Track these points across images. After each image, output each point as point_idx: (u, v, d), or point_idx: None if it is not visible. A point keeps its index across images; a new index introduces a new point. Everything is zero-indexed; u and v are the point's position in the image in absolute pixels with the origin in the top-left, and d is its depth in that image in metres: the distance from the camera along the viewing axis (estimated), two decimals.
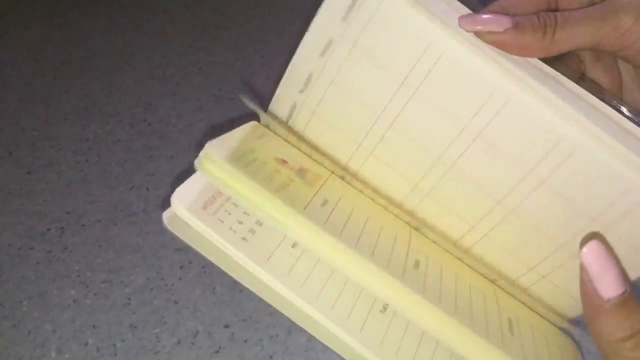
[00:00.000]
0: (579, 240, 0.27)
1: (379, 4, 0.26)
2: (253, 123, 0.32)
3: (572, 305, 0.30)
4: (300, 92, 0.30)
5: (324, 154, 0.32)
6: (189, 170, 0.27)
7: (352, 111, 0.29)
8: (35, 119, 0.85)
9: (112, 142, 0.82)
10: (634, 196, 0.26)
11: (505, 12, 0.28)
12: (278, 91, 0.31)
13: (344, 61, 0.28)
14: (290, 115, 0.31)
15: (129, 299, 0.64)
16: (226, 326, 0.62)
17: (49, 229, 0.71)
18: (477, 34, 0.26)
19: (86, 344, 0.61)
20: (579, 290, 0.28)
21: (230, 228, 0.25)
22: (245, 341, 0.61)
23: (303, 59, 0.29)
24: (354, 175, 0.32)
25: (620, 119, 0.26)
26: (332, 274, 0.26)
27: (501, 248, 0.30)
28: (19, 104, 0.87)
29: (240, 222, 0.25)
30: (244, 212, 0.26)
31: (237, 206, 0.26)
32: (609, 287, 0.22)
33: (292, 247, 0.26)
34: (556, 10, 0.28)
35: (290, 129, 0.31)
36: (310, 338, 0.61)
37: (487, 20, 0.26)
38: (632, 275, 0.27)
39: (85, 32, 1.00)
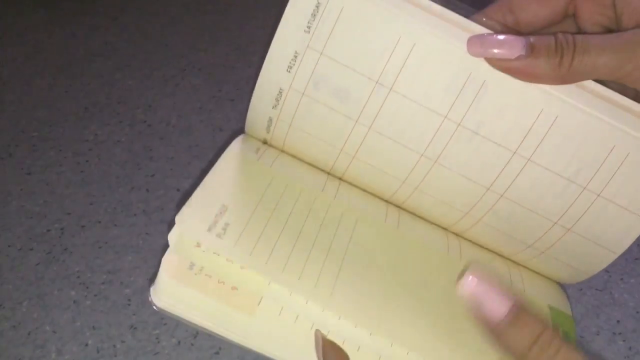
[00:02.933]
0: (575, 211, 0.27)
1: (341, 9, 0.26)
2: (236, 147, 0.31)
3: (571, 274, 0.31)
4: (273, 107, 0.29)
5: (308, 163, 0.32)
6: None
7: (329, 119, 0.29)
8: (35, 120, 0.85)
9: (112, 143, 0.82)
10: (618, 154, 0.25)
11: (513, 14, 0.27)
12: (250, 111, 0.31)
13: (312, 72, 0.27)
14: (267, 131, 0.31)
15: (129, 300, 0.64)
16: None
17: (48, 230, 0.71)
18: (487, 59, 0.24)
19: (86, 344, 0.61)
20: (577, 262, 0.30)
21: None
22: None
23: (271, 74, 0.28)
24: (340, 179, 0.32)
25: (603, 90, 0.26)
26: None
27: (497, 230, 0.30)
28: (18, 105, 0.87)
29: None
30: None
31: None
32: (496, 310, 0.23)
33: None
34: (573, 15, 0.27)
35: (270, 145, 0.31)
36: None
37: (498, 43, 0.24)
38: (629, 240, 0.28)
39: (86, 33, 1.00)
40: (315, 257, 0.27)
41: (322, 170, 0.32)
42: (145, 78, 0.92)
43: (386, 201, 0.32)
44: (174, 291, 0.26)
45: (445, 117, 0.26)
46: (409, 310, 0.26)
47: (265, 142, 0.32)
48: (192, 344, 0.61)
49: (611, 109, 0.25)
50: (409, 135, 0.28)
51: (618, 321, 0.64)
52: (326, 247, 0.27)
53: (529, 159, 0.26)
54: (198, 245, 0.25)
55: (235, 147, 0.31)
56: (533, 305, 0.28)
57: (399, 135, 0.28)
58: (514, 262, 0.32)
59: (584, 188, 0.26)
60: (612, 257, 0.29)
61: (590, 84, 0.25)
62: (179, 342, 0.61)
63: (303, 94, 0.28)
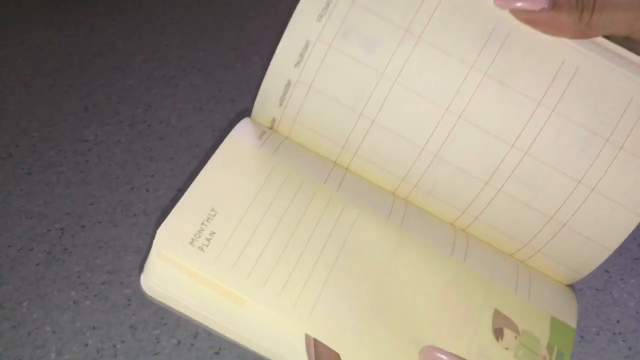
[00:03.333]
0: (569, 208, 0.27)
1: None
2: (237, 133, 0.30)
3: (567, 274, 0.30)
4: (279, 105, 0.29)
5: (314, 151, 0.31)
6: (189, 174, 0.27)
7: (333, 113, 0.28)
8: (35, 120, 0.85)
9: (112, 143, 0.82)
10: (637, 105, 0.26)
11: None
12: (256, 106, 0.30)
13: (321, 63, 0.27)
14: (281, 102, 0.30)
15: (129, 300, 0.64)
16: None
17: (48, 230, 0.71)
18: (511, 11, 0.26)
19: (86, 345, 0.61)
20: (573, 259, 0.29)
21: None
22: None
23: (279, 68, 0.28)
24: (347, 169, 0.31)
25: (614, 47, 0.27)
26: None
27: (493, 228, 0.30)
28: (18, 105, 0.87)
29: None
30: None
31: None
32: None
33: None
34: None
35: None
36: None
37: None
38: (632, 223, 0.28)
39: (86, 33, 1.00)
40: (302, 266, 0.26)
41: (328, 160, 0.31)
42: (145, 78, 0.92)
43: (394, 194, 0.31)
44: (165, 275, 0.25)
45: (472, 66, 0.27)
46: (389, 335, 0.26)
47: (271, 128, 0.31)
48: (192, 344, 0.61)
49: (626, 63, 0.26)
50: (411, 126, 0.28)
51: (618, 321, 0.64)
52: (317, 250, 0.27)
53: (553, 110, 0.26)
54: (176, 263, 0.25)
55: (236, 133, 0.30)
56: (535, 316, 0.28)
57: (402, 126, 0.28)
58: (525, 263, 0.31)
59: (607, 140, 0.26)
60: (607, 254, 0.29)
61: (605, 41, 0.26)
62: (179, 343, 0.61)
63: (331, 45, 0.27)
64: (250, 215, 0.26)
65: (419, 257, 0.28)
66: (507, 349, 0.27)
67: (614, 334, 0.62)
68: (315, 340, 0.25)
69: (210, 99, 0.88)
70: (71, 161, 0.79)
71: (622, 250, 0.69)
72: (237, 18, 1.02)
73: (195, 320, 0.26)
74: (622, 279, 0.67)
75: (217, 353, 0.60)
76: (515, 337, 0.27)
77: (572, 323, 0.29)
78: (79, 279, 0.66)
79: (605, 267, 0.68)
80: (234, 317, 0.25)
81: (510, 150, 0.27)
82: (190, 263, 0.25)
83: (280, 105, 0.29)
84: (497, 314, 0.27)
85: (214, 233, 0.25)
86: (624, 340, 0.62)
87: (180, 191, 0.26)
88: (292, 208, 0.27)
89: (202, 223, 0.26)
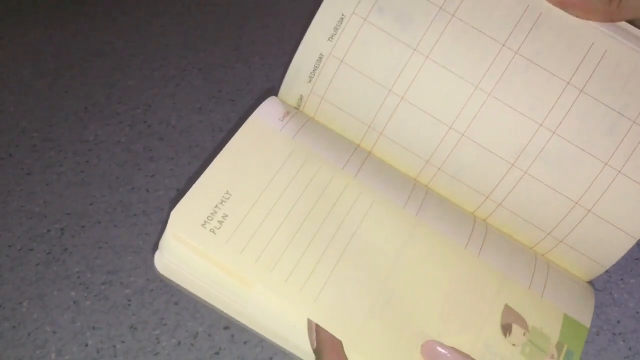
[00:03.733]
0: (595, 192, 0.27)
1: None
2: (261, 113, 0.30)
3: (588, 268, 0.30)
4: (308, 81, 0.29)
5: (338, 133, 0.31)
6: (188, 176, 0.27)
7: (363, 89, 0.28)
8: (35, 120, 0.85)
9: (112, 143, 0.82)
10: None
11: None
12: (285, 82, 0.30)
13: (355, 37, 0.28)
14: (298, 105, 0.31)
15: (129, 300, 0.64)
16: (226, 327, 0.62)
17: (48, 230, 0.71)
18: None
19: (86, 345, 0.61)
20: (596, 249, 0.29)
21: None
22: (245, 342, 0.61)
23: (312, 41, 0.28)
24: (369, 153, 0.31)
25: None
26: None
27: (516, 215, 0.29)
28: (18, 105, 0.87)
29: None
30: None
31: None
32: None
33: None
34: None
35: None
36: None
37: None
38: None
39: (85, 33, 1.00)
40: (312, 253, 0.26)
41: (352, 142, 0.31)
42: (145, 78, 0.92)
43: (415, 179, 0.31)
44: (178, 255, 0.25)
45: (504, 44, 0.27)
46: (393, 327, 0.26)
47: (297, 107, 0.31)
48: (192, 345, 0.61)
49: None
50: (440, 104, 0.28)
51: (618, 321, 0.64)
52: (328, 238, 0.26)
53: (581, 90, 0.27)
54: (188, 244, 0.25)
55: (260, 113, 0.29)
56: (547, 313, 0.28)
57: (431, 104, 0.28)
58: (545, 256, 0.31)
59: (634, 122, 0.27)
60: (631, 242, 0.29)
61: (629, 26, 0.27)
62: (179, 343, 0.61)
63: (366, 19, 0.28)
64: (263, 200, 0.27)
65: (431, 249, 0.28)
66: (514, 345, 0.26)
67: (614, 334, 0.62)
68: (317, 326, 0.25)
69: (210, 99, 0.88)
70: (71, 161, 0.79)
71: None
72: (237, 18, 1.02)
73: (205, 300, 0.26)
74: (622, 279, 0.67)
75: (217, 353, 0.60)
76: (524, 333, 0.27)
77: (586, 322, 0.28)
78: (79, 279, 0.66)
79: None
80: (242, 298, 0.26)
81: (539, 129, 0.27)
82: (201, 245, 0.25)
83: (310, 81, 0.29)
84: (507, 310, 0.27)
85: (227, 216, 0.26)
86: (624, 341, 0.62)
87: (192, 179, 0.27)
88: (306, 194, 0.27)
89: (216, 206, 0.26)
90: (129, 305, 0.64)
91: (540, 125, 0.27)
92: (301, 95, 0.30)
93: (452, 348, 0.25)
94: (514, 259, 0.29)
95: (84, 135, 0.83)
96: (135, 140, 0.82)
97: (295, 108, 0.31)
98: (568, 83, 0.27)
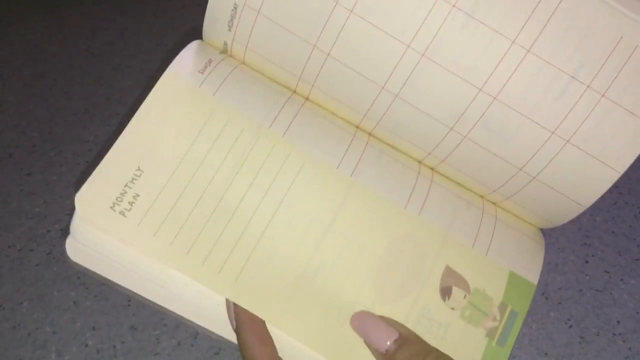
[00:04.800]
0: (540, 160, 0.25)
1: None
2: (176, 67, 0.26)
3: (539, 221, 0.28)
4: (228, 30, 0.26)
5: (270, 77, 0.27)
6: None
7: (286, 43, 0.25)
8: (35, 121, 0.85)
9: (112, 143, 0.82)
10: (625, 48, 0.22)
11: None
12: (205, 28, 0.27)
13: None
14: (225, 50, 0.28)
15: (129, 300, 0.64)
16: None
17: (49, 231, 0.71)
18: None
19: (86, 345, 0.61)
20: (544, 211, 0.27)
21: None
22: None
23: None
24: (306, 99, 0.28)
25: None
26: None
27: (460, 172, 0.27)
28: (19, 106, 0.87)
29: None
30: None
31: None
32: (382, 339, 0.23)
33: None
34: None
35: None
36: None
37: None
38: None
39: (86, 34, 1.00)
40: (232, 228, 0.24)
41: (285, 88, 0.27)
42: (145, 79, 0.92)
43: (358, 127, 0.28)
44: (90, 239, 0.23)
45: (414, 37, 0.23)
46: (322, 299, 0.24)
47: (225, 51, 0.28)
48: (192, 345, 0.61)
49: None
50: (396, 20, 0.24)
51: (618, 322, 0.64)
52: (251, 210, 0.24)
53: (528, 50, 0.23)
54: (99, 228, 0.23)
55: (177, 65, 0.26)
56: (491, 272, 0.25)
57: (385, 20, 0.24)
58: (494, 204, 0.28)
59: (587, 86, 0.23)
60: (580, 210, 0.26)
61: None
62: (179, 343, 0.61)
63: (259, 12, 0.25)
64: (178, 175, 0.24)
65: (367, 213, 0.25)
66: (453, 309, 0.25)
67: (614, 334, 0.62)
68: (236, 305, 0.24)
69: None
70: (71, 161, 0.79)
71: (622, 250, 0.69)
72: None
73: (120, 286, 0.25)
74: (622, 280, 0.67)
75: (217, 354, 0.60)
76: (465, 296, 0.25)
77: (534, 278, 0.26)
78: (79, 279, 0.66)
79: (605, 268, 0.68)
80: (159, 281, 0.24)
81: (478, 94, 0.24)
82: (110, 230, 0.23)
83: (230, 30, 0.26)
84: (448, 271, 0.25)
85: (138, 196, 0.24)
86: (624, 341, 0.62)
87: (102, 155, 0.24)
88: (227, 163, 0.25)
89: (126, 185, 0.24)
90: (129, 305, 0.64)
91: (480, 90, 0.24)
92: (225, 42, 0.27)
93: (382, 317, 0.24)
94: (458, 215, 0.27)
95: (84, 136, 0.83)
96: None
97: (223, 52, 0.28)
98: (513, 42, 0.23)
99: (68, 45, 0.98)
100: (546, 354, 0.61)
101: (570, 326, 0.63)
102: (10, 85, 0.91)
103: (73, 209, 0.23)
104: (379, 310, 0.24)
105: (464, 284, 0.25)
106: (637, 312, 0.64)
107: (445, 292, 0.25)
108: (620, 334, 0.62)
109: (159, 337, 0.61)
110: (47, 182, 0.76)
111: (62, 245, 0.69)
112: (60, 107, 0.87)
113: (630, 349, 0.61)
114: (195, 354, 0.60)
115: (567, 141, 0.24)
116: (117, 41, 0.98)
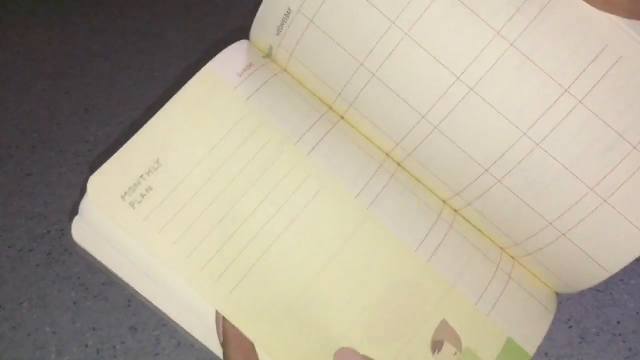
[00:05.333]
0: (574, 217, 0.24)
1: None
2: (216, 65, 0.26)
3: (557, 284, 0.27)
4: (276, 34, 0.25)
5: (310, 89, 0.27)
6: None
7: (333, 56, 0.25)
8: (35, 121, 0.85)
9: (112, 143, 0.82)
10: None
11: None
12: (253, 30, 0.27)
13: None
14: (269, 54, 0.27)
15: (129, 300, 0.64)
16: None
17: (48, 231, 0.71)
18: None
19: (86, 345, 0.61)
20: (566, 273, 0.26)
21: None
22: None
23: None
24: (341, 117, 0.27)
25: None
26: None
27: (486, 220, 0.26)
28: (19, 106, 0.87)
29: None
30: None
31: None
32: None
33: None
34: None
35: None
36: None
37: None
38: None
39: (86, 34, 1.00)
40: (237, 239, 0.23)
41: (321, 103, 0.27)
42: (146, 79, 0.92)
43: (388, 155, 0.27)
44: (96, 223, 0.23)
45: (499, 32, 0.22)
46: (310, 330, 0.23)
47: (269, 55, 0.27)
48: (192, 345, 0.61)
49: None
50: (451, 50, 0.23)
51: (618, 322, 0.64)
52: (259, 225, 0.23)
53: (580, 101, 0.22)
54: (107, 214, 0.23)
55: (218, 62, 0.26)
56: (488, 334, 0.24)
57: (440, 48, 0.23)
58: (513, 259, 0.27)
59: (634, 147, 0.22)
60: (604, 276, 0.25)
61: None
62: (179, 343, 0.61)
63: (312, 20, 0.24)
64: (195, 175, 0.24)
65: (375, 249, 0.24)
66: None
67: (614, 334, 0.62)
68: (225, 321, 0.23)
69: None
70: (71, 162, 0.79)
71: None
72: (238, 19, 1.02)
73: (117, 276, 0.24)
74: (622, 280, 0.67)
75: None
76: (455, 353, 0.24)
77: (531, 348, 0.25)
78: (79, 279, 0.66)
79: None
80: (156, 279, 0.23)
81: (521, 138, 0.23)
82: (117, 218, 0.23)
83: (278, 34, 0.25)
84: (444, 325, 0.24)
85: (151, 189, 0.23)
86: (624, 341, 0.62)
87: (124, 140, 0.24)
88: (245, 172, 0.24)
89: (141, 176, 0.23)
90: (129, 305, 0.64)
91: (524, 134, 0.23)
92: (271, 46, 0.26)
93: (365, 358, 0.23)
94: (470, 268, 0.26)
95: (84, 136, 0.83)
96: None
97: (267, 57, 0.27)
98: (566, 90, 0.22)
99: (68, 45, 0.98)
100: (546, 354, 0.61)
101: (570, 326, 0.63)
102: (11, 85, 0.91)
103: (73, 209, 0.23)
104: (366, 350, 0.23)
105: (456, 341, 0.24)
106: (637, 312, 0.64)
107: (436, 346, 0.24)
108: (620, 334, 0.62)
109: (159, 337, 0.61)
110: (47, 182, 0.76)
111: (62, 245, 0.69)
112: (60, 108, 0.87)
113: (630, 349, 0.61)
114: (195, 354, 0.60)
115: (605, 200, 0.23)
116: (117, 41, 0.99)
